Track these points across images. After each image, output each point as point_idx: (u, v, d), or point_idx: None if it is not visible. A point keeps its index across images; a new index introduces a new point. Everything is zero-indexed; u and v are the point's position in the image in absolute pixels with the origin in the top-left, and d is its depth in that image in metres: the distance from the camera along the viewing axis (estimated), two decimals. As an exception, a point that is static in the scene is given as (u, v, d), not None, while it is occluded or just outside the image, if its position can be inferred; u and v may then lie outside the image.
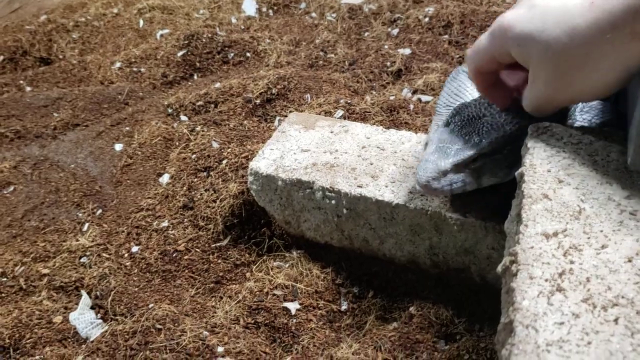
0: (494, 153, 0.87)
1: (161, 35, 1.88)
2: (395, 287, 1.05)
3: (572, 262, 0.60)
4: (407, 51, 1.68)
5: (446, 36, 1.72)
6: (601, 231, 0.64)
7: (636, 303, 0.55)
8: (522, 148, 0.81)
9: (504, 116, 0.89)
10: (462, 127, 0.90)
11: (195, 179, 1.26)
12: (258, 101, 1.48)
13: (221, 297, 1.08)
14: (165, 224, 1.21)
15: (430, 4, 1.87)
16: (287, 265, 1.09)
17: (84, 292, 1.10)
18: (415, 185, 0.90)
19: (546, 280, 0.58)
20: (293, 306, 1.02)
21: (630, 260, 0.60)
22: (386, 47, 1.73)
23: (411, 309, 1.00)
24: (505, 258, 0.64)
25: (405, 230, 0.99)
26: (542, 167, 0.74)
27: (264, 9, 2.04)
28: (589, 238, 0.63)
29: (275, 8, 2.06)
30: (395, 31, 1.81)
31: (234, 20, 1.96)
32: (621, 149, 0.76)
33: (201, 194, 1.22)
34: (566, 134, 0.80)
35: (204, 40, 1.78)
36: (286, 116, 1.44)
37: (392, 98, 1.47)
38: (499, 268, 0.65)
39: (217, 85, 1.57)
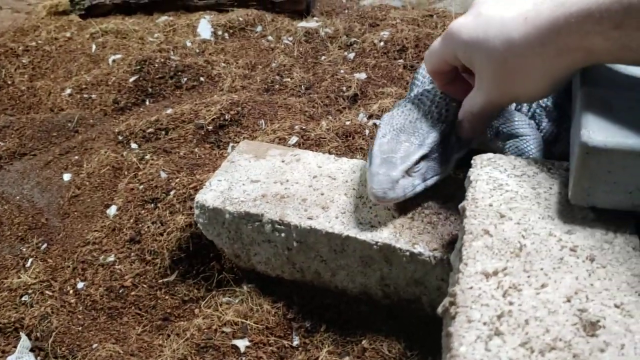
0: (432, 152, 0.94)
1: (113, 61, 1.84)
2: (348, 319, 1.02)
3: (511, 304, 0.59)
4: (363, 76, 1.68)
5: (401, 60, 1.72)
6: (541, 269, 0.63)
7: (573, 346, 0.54)
8: (465, 180, 0.81)
9: (433, 116, 0.97)
10: (398, 135, 0.95)
11: (143, 211, 1.22)
12: (210, 127, 1.45)
13: (168, 335, 1.04)
14: (111, 258, 1.17)
15: (385, 28, 1.88)
16: (236, 301, 1.06)
17: (23, 334, 1.05)
18: (371, 198, 0.92)
19: (484, 323, 0.57)
20: (242, 343, 0.99)
21: (569, 300, 0.59)
22: (342, 71, 1.72)
23: (364, 342, 0.98)
24: (446, 299, 0.63)
25: (357, 262, 0.97)
26: (484, 201, 0.74)
27: (220, 32, 2.02)
28: (529, 277, 0.62)
29: (231, 31, 2.04)
30: (351, 55, 1.81)
31: (188, 44, 1.93)
32: (564, 181, 0.76)
33: (148, 227, 1.18)
34: (510, 166, 0.80)
35: (156, 65, 1.75)
36: (239, 142, 1.41)
37: (347, 123, 1.46)
38: (440, 309, 0.64)
39: (169, 111, 1.54)
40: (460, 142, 1.02)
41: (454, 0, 2.03)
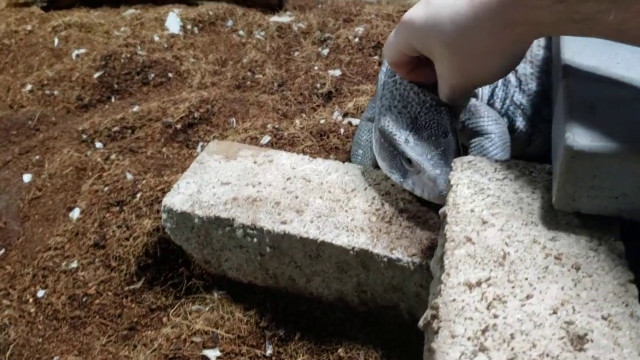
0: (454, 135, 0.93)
1: (77, 55, 1.77)
2: (323, 327, 0.99)
3: (496, 317, 0.56)
4: (338, 72, 1.64)
5: (376, 57, 1.68)
6: (526, 279, 0.60)
7: (562, 363, 0.51)
8: (446, 185, 0.78)
9: (432, 104, 0.94)
10: (419, 133, 0.92)
11: (108, 214, 1.17)
12: (179, 126, 1.40)
13: (135, 346, 0.99)
14: (74, 264, 1.11)
15: (360, 23, 1.84)
16: (207, 309, 1.01)
17: (-23, 348, 0.99)
18: (435, 201, 0.88)
19: (469, 338, 0.54)
20: (213, 354, 0.95)
21: (555, 312, 0.56)
22: (316, 68, 1.68)
23: (340, 350, 0.95)
24: (427, 312, 0.60)
25: (332, 268, 0.93)
26: (466, 206, 0.71)
27: (189, 27, 1.96)
28: (513, 287, 0.59)
29: (201, 25, 1.97)
30: (325, 51, 1.77)
31: (156, 39, 1.86)
32: (547, 184, 0.73)
33: (113, 231, 1.13)
34: (491, 169, 0.77)
35: (122, 60, 1.68)
36: (209, 141, 1.36)
37: (322, 122, 1.42)
38: (421, 322, 0.61)
39: (136, 108, 1.48)
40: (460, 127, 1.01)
41: (428, -4, 2.00)
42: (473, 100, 1.08)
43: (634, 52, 0.83)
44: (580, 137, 0.62)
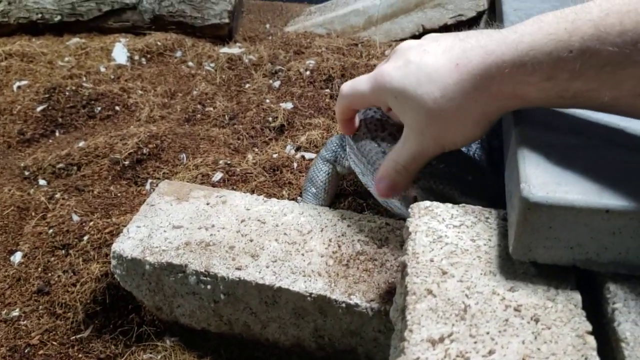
0: None
1: (19, 87, 1.69)
2: (280, 373, 0.96)
3: (460, 375, 0.56)
4: (289, 105, 1.64)
5: (327, 90, 1.69)
6: (487, 333, 0.60)
7: None
8: (404, 230, 0.77)
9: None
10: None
11: (53, 258, 1.11)
12: (127, 162, 1.35)
13: (82, 400, 0.94)
14: (16, 312, 1.05)
15: (311, 56, 1.85)
16: (159, 357, 0.97)
17: None
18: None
19: (435, 400, 0.53)
20: (165, 407, 0.91)
21: (518, 368, 0.56)
22: (268, 100, 1.67)
23: (297, 397, 0.93)
24: (391, 370, 0.59)
25: (289, 314, 0.92)
26: (425, 255, 0.70)
27: (136, 57, 1.92)
28: (475, 342, 0.59)
29: (149, 56, 1.94)
30: (276, 83, 1.77)
31: (102, 69, 1.81)
32: (503, 231, 0.74)
33: (59, 277, 1.07)
34: (448, 215, 0.78)
35: (67, 92, 1.63)
36: (159, 179, 1.33)
37: (275, 156, 1.41)
38: (385, 381, 0.60)
39: (81, 144, 1.43)
40: None
41: (377, 30, 2.03)
42: None
43: (580, 98, 0.85)
44: (536, 189, 0.63)
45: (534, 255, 0.66)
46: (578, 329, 0.60)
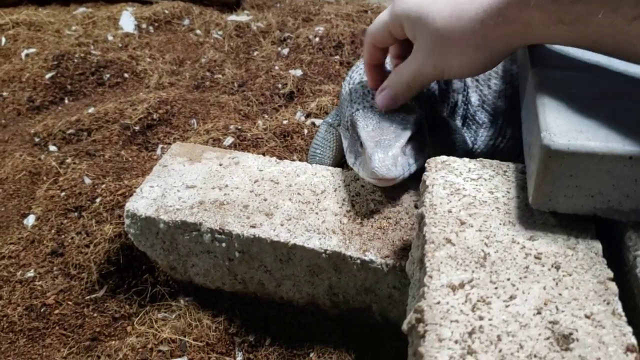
0: (415, 135, 0.95)
1: (27, 55, 1.68)
2: (294, 331, 0.97)
3: (481, 318, 0.55)
4: (299, 72, 1.62)
5: (337, 57, 1.68)
6: (508, 279, 0.60)
7: (551, 364, 0.51)
8: (421, 185, 0.77)
9: (409, 105, 0.99)
10: (380, 124, 0.95)
11: (66, 221, 1.11)
12: (137, 128, 1.35)
13: (99, 357, 0.95)
14: (31, 273, 1.06)
15: (320, 23, 1.83)
16: (173, 316, 0.98)
17: None
18: (370, 180, 0.91)
19: (456, 342, 0.53)
20: (181, 363, 0.92)
21: (539, 312, 0.56)
22: (277, 67, 1.66)
23: (312, 354, 0.93)
24: (411, 315, 0.59)
25: (303, 272, 0.92)
26: (443, 207, 0.70)
27: (144, 26, 1.90)
28: (496, 288, 0.59)
29: (156, 24, 1.92)
30: (285, 51, 1.75)
31: (110, 38, 1.80)
32: (521, 184, 0.74)
33: (72, 238, 1.07)
34: (465, 169, 0.77)
35: (75, 60, 1.62)
36: (170, 144, 1.32)
37: (285, 122, 1.40)
38: (405, 326, 0.60)
39: (91, 110, 1.42)
40: (431, 128, 1.04)
41: (387, -4, 2.01)
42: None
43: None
44: (557, 137, 0.62)
45: (554, 205, 0.66)
46: (599, 276, 0.60)
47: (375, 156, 0.89)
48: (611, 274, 0.60)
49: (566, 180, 0.63)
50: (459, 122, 1.19)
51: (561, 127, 0.64)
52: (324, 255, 0.87)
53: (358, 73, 1.19)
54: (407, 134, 0.93)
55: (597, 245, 0.64)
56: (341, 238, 0.88)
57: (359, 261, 0.86)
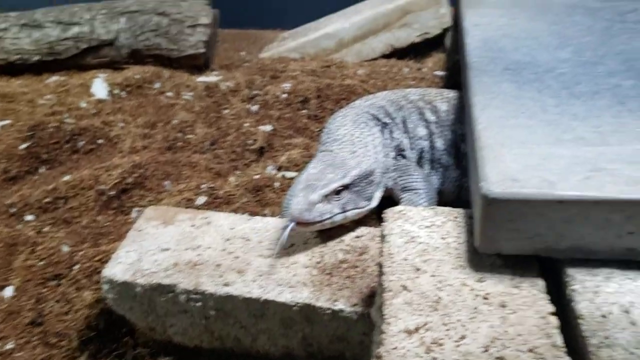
0: (355, 185, 1.03)
1: (1, 127, 1.73)
2: (273, 383, 1.00)
3: (435, 360, 0.60)
4: (268, 128, 1.69)
5: (305, 111, 1.75)
6: (459, 320, 0.65)
7: (498, 398, 0.56)
8: (380, 235, 0.82)
9: (360, 156, 1.09)
10: (326, 168, 1.05)
11: (45, 290, 1.14)
12: (112, 193, 1.39)
13: None
14: (10, 345, 1.07)
15: (286, 80, 1.91)
16: (154, 377, 1.00)
17: None
18: (287, 224, 0.98)
19: (412, 383, 0.58)
20: (163, 423, 0.94)
21: (487, 349, 0.61)
22: (247, 124, 1.72)
23: (291, 405, 0.96)
24: (372, 361, 0.63)
25: (277, 325, 0.95)
26: (399, 255, 0.75)
27: (116, 91, 1.97)
28: (448, 330, 0.64)
29: (128, 89, 1.99)
30: (254, 108, 1.82)
31: (83, 105, 1.86)
32: (470, 229, 0.80)
33: (51, 307, 1.10)
34: (419, 217, 0.83)
35: (50, 129, 1.67)
36: (144, 207, 1.36)
37: (256, 177, 1.45)
38: (367, 372, 0.64)
39: (67, 178, 1.46)
40: (382, 181, 1.13)
41: (349, 51, 2.11)
42: (403, 161, 1.20)
43: (535, 101, 0.92)
44: (494, 186, 0.69)
45: (499, 247, 0.72)
46: (542, 311, 0.66)
47: (295, 199, 0.97)
48: (552, 309, 0.65)
49: (506, 225, 0.70)
50: (427, 167, 1.26)
51: (498, 176, 0.70)
52: (295, 308, 0.92)
53: (339, 116, 1.28)
54: (337, 183, 1.00)
55: (540, 282, 0.70)
56: (312, 290, 0.93)
57: (329, 311, 0.91)
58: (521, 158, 0.75)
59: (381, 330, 0.65)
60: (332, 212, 1.00)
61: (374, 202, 1.10)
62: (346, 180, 1.02)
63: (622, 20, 1.32)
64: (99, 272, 1.11)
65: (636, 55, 1.10)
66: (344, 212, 1.02)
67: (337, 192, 1.01)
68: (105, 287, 0.99)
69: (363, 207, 1.06)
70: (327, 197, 0.99)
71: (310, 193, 0.98)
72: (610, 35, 1.23)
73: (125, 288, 0.98)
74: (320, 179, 1.02)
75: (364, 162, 1.08)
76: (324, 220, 0.99)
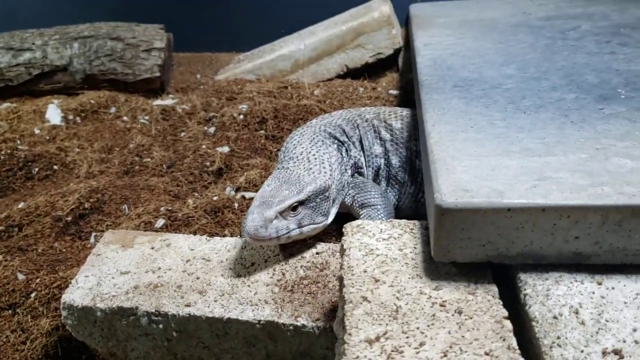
0: (310, 201, 1.05)
1: (-49, 155, 1.68)
2: (238, 403, 0.99)
3: (396, 367, 0.62)
4: (226, 149, 1.70)
5: (262, 131, 1.76)
6: (418, 328, 0.67)
7: (457, 400, 0.57)
8: (339, 249, 0.84)
9: (315, 170, 1.11)
10: (281, 185, 1.07)
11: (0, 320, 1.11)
12: (69, 218, 1.37)
13: None
14: (-36, 379, 1.04)
15: (243, 101, 1.93)
16: (116, 403, 0.98)
17: None
18: (245, 238, 1.01)
19: (375, 391, 0.59)
20: None
21: (446, 355, 0.63)
22: (204, 146, 1.73)
23: None
24: (335, 372, 0.64)
25: (241, 344, 0.96)
26: (359, 267, 0.77)
27: (71, 117, 1.94)
28: (407, 337, 0.66)
29: (83, 115, 1.96)
30: (211, 130, 1.83)
31: (37, 131, 1.83)
32: (426, 239, 0.82)
33: (7, 337, 1.07)
34: (377, 230, 0.85)
35: (2, 156, 1.63)
36: (102, 232, 1.35)
37: (215, 199, 1.45)
38: (331, 383, 0.65)
39: (21, 205, 1.43)
40: (338, 198, 1.14)
41: (305, 72, 2.14)
42: (360, 178, 1.24)
43: (483, 116, 0.96)
44: (446, 196, 0.72)
45: (453, 256, 0.74)
46: (496, 316, 0.68)
47: (250, 216, 0.99)
48: (506, 313, 0.68)
49: (459, 234, 0.72)
50: (383, 184, 1.30)
51: (450, 187, 0.73)
52: (258, 325, 0.92)
53: (296, 135, 1.30)
54: (292, 200, 1.02)
55: (494, 289, 0.73)
56: (274, 307, 0.94)
57: (292, 327, 0.91)
58: (471, 170, 0.78)
59: (343, 340, 0.66)
60: (288, 227, 1.02)
61: (330, 218, 1.12)
62: (301, 196, 1.04)
63: (563, 37, 1.39)
64: (57, 299, 1.09)
65: (576, 70, 1.16)
66: (300, 227, 1.04)
67: (293, 208, 1.03)
68: (65, 313, 0.97)
69: (319, 223, 1.08)
70: (282, 214, 1.01)
71: (265, 210, 1.00)
72: (552, 51, 1.30)
73: (85, 313, 0.96)
74: (276, 195, 1.04)
75: (319, 178, 1.10)
76: (280, 236, 1.01)
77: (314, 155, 1.17)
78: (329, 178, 1.12)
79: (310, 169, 1.13)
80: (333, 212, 1.14)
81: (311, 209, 1.06)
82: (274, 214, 1.00)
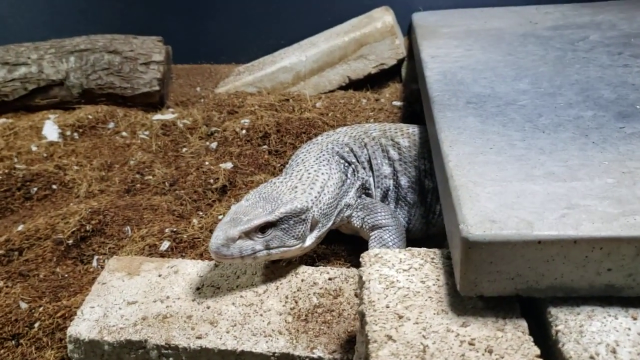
0: (282, 223, 1.00)
1: (-54, 176, 1.64)
2: None
3: (428, 415, 0.59)
4: (229, 165, 1.66)
5: (265, 146, 1.73)
6: (448, 370, 0.64)
7: None
8: (358, 280, 0.81)
9: (299, 192, 1.06)
10: (259, 201, 1.03)
11: (2, 351, 1.07)
12: (70, 242, 1.33)
13: None
14: (-34, 415, 1.00)
15: (245, 115, 1.89)
16: None
17: None
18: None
19: None
20: None
21: (480, 399, 0.60)
22: (207, 162, 1.69)
23: None
24: (363, 419, 0.61)
25: (254, 376, 0.92)
26: (380, 302, 0.74)
27: (68, 133, 1.90)
28: (438, 381, 0.62)
29: (81, 130, 1.92)
30: (213, 145, 1.79)
31: (34, 148, 1.79)
32: (448, 269, 0.79)
33: (10, 370, 1.04)
34: (396, 260, 0.82)
35: (0, 176, 1.59)
36: (105, 254, 1.31)
37: (220, 218, 1.42)
38: None
39: (20, 227, 1.39)
40: (320, 226, 1.09)
41: (306, 84, 2.11)
42: (368, 199, 1.20)
43: (502, 136, 0.93)
44: (473, 228, 0.69)
45: (480, 290, 0.71)
46: (528, 354, 0.65)
47: (215, 232, 0.97)
48: (538, 351, 0.65)
49: (487, 267, 0.69)
50: (392, 205, 1.26)
51: (475, 218, 0.70)
52: (272, 358, 0.89)
53: (302, 151, 1.27)
54: (261, 220, 0.98)
55: (523, 324, 0.69)
56: (288, 338, 0.90)
57: (307, 359, 0.88)
58: (496, 197, 0.75)
59: (370, 385, 0.63)
60: (254, 249, 0.99)
61: (308, 242, 1.06)
62: (271, 218, 1.00)
63: (573, 49, 1.37)
64: (62, 329, 1.06)
65: (591, 84, 1.13)
66: (268, 249, 1.00)
67: (262, 229, 0.99)
68: (71, 346, 0.94)
69: (291, 246, 1.03)
70: (248, 234, 0.98)
71: (230, 228, 0.97)
72: (563, 64, 1.27)
73: (91, 347, 0.93)
74: (248, 212, 1.00)
75: (298, 199, 1.05)
76: (244, 256, 0.98)
77: (310, 173, 1.13)
78: (311, 200, 1.06)
79: (296, 187, 1.08)
80: (313, 235, 1.07)
81: (282, 230, 1.01)
82: (238, 234, 0.97)
